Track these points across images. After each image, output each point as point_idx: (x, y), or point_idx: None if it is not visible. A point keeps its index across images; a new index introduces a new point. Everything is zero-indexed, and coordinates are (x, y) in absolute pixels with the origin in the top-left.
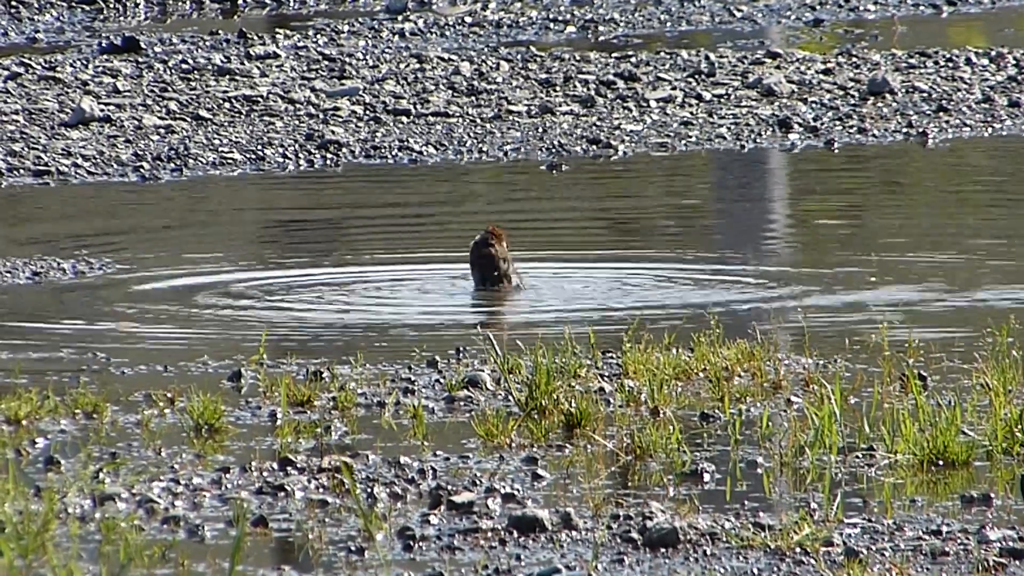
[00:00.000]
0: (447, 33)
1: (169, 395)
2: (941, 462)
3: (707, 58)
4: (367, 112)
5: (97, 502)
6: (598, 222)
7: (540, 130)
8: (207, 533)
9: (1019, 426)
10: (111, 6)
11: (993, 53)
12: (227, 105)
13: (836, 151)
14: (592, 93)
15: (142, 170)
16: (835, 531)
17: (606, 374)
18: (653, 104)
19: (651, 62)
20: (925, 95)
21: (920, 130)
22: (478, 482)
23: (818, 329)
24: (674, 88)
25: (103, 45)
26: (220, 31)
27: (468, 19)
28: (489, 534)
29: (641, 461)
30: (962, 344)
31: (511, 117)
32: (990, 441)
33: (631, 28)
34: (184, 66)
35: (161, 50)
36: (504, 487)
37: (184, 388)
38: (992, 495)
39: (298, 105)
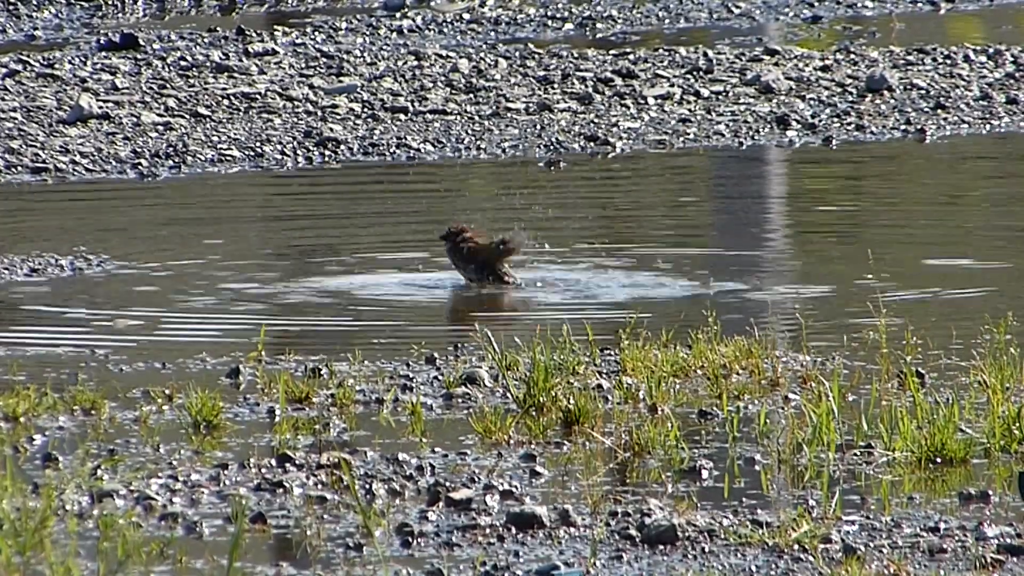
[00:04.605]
0: (445, 30)
1: (167, 392)
2: (939, 459)
3: (705, 55)
4: (365, 109)
5: (95, 499)
6: (596, 219)
7: (538, 127)
8: (205, 530)
9: (1017, 423)
10: (110, 3)
11: (991, 50)
12: (225, 102)
13: (834, 148)
14: (590, 90)
15: (140, 167)
16: (833, 528)
17: (604, 371)
18: (651, 101)
19: (649, 59)
20: (923, 92)
21: (918, 127)
22: (476, 479)
23: (816, 326)
24: (672, 85)
25: (101, 42)
26: (218, 28)
27: (466, 16)
28: (487, 530)
29: (639, 458)
30: (960, 341)
31: (509, 114)
32: (988, 438)
33: (629, 25)
34: (182, 63)
35: (159, 47)
36: (502, 484)
37: (182, 385)
38: (990, 492)
39: (296, 102)
